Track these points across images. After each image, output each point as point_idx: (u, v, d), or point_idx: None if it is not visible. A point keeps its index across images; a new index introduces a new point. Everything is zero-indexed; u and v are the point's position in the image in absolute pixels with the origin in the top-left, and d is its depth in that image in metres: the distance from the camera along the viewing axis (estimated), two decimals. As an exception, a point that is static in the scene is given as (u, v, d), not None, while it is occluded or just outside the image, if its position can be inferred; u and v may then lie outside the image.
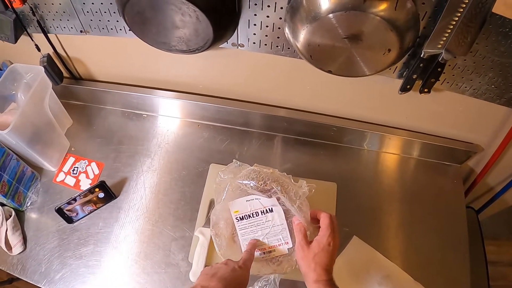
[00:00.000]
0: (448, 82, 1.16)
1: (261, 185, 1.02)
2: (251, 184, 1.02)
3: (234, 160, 1.11)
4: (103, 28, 1.20)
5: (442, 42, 0.98)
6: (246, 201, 1.05)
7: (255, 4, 1.01)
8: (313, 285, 0.92)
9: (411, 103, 1.30)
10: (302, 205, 1.02)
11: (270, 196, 1.03)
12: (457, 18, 0.91)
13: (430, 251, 1.29)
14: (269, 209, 1.05)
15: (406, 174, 1.46)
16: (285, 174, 1.05)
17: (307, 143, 1.48)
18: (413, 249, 1.29)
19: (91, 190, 1.23)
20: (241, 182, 1.03)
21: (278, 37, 1.09)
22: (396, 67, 1.13)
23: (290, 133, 1.48)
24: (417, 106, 1.32)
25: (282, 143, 1.48)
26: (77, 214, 1.26)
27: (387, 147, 1.48)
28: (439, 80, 1.11)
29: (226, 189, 1.06)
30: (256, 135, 1.49)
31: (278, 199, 1.03)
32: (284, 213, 1.05)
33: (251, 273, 1.00)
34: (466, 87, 1.16)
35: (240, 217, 1.06)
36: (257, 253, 1.08)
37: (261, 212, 1.06)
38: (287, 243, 1.07)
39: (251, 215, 1.06)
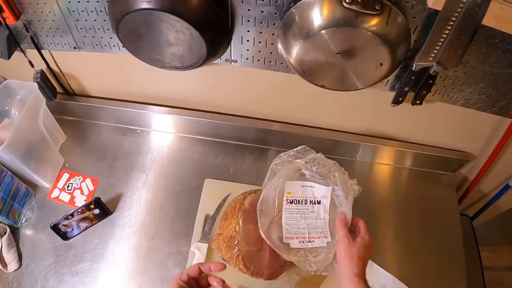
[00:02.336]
0: (439, 93, 1.17)
1: (324, 171, 1.08)
2: (314, 169, 1.08)
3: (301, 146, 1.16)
4: (96, 45, 1.20)
5: (433, 55, 0.98)
6: (301, 186, 1.09)
7: (248, 21, 1.01)
8: (353, 278, 0.93)
9: (404, 114, 1.31)
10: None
11: (327, 184, 1.08)
12: (447, 31, 0.92)
13: (426, 260, 1.30)
14: (317, 200, 1.09)
15: (400, 184, 1.48)
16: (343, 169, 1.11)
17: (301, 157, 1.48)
18: (409, 258, 1.30)
19: (87, 207, 1.23)
20: (303, 163, 1.10)
21: (271, 53, 1.10)
22: (388, 80, 1.14)
23: (284, 147, 1.46)
24: (410, 118, 1.34)
25: (276, 156, 1.46)
26: (72, 230, 1.25)
27: (381, 158, 1.50)
28: (430, 92, 1.12)
29: (285, 167, 1.13)
30: (251, 149, 1.49)
31: (332, 190, 1.08)
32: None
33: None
34: (457, 97, 1.18)
35: (291, 200, 1.09)
36: (295, 241, 1.08)
37: (310, 202, 1.09)
38: (326, 237, 1.09)
39: (301, 202, 1.09)
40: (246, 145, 1.49)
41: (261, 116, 1.44)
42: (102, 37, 1.17)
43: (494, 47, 1.00)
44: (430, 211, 1.40)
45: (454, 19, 0.89)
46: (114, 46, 1.19)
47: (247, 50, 1.11)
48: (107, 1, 1.02)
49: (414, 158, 1.47)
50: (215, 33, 1.00)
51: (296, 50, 0.96)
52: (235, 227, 1.11)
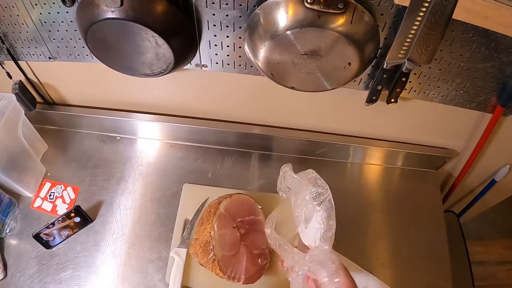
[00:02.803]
0: (415, 91, 1.16)
1: None
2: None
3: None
4: (70, 54, 1.20)
5: (403, 52, 0.98)
6: None
7: (214, 25, 1.01)
8: None
9: (381, 113, 1.31)
10: None
11: None
12: (416, 27, 0.91)
13: (410, 259, 1.30)
14: None
15: (383, 184, 1.46)
16: None
17: (281, 159, 1.47)
18: (394, 259, 1.30)
19: (67, 215, 1.23)
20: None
21: (240, 56, 1.10)
22: (361, 78, 1.13)
23: (264, 150, 1.48)
24: (387, 116, 1.33)
25: (255, 159, 1.48)
26: (54, 239, 1.25)
27: (363, 158, 1.49)
28: (405, 89, 1.12)
29: None
30: (230, 153, 1.48)
31: None
32: None
33: None
34: (434, 94, 1.17)
35: None
36: None
37: None
38: None
39: None
40: (225, 149, 1.49)
41: (238, 120, 1.44)
42: (74, 47, 1.17)
43: (468, 41, 0.99)
44: (414, 209, 1.39)
45: (422, 14, 0.88)
46: (87, 55, 1.19)
47: (216, 54, 1.10)
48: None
49: (395, 157, 1.47)
50: (180, 39, 1.00)
51: (262, 53, 0.96)
52: (210, 232, 1.11)
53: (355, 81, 1.12)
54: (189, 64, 1.14)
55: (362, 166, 1.51)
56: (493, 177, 1.53)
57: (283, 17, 0.89)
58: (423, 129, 1.38)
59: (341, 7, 0.86)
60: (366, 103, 1.16)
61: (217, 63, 1.13)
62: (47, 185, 1.39)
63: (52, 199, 1.36)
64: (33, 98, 1.38)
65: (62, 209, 1.34)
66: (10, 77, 1.31)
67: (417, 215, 1.38)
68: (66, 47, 1.17)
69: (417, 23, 0.90)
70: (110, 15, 0.91)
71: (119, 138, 1.51)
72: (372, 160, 1.50)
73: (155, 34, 0.93)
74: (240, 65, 1.13)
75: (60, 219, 1.22)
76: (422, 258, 1.31)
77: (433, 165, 1.48)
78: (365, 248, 1.31)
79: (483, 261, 2.16)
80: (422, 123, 1.34)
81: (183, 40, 1.02)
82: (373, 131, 1.42)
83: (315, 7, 0.85)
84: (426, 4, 0.86)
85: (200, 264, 1.15)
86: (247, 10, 0.95)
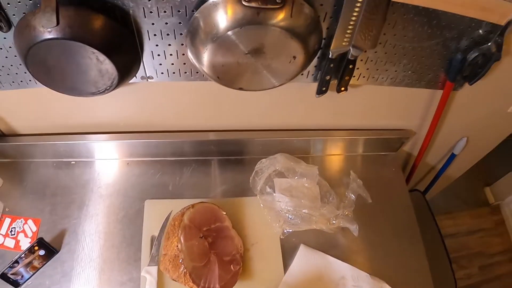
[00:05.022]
0: (364, 77, 1.17)
1: None
2: None
3: None
4: (13, 82, 1.15)
5: (347, 40, 0.99)
6: None
7: (154, 35, 0.99)
8: None
9: (334, 103, 1.31)
10: None
11: None
12: (356, 14, 0.92)
13: (383, 243, 1.31)
14: None
15: (347, 172, 1.46)
16: None
17: (240, 162, 1.47)
18: (365, 245, 1.30)
19: (30, 250, 1.18)
20: None
21: (185, 63, 1.08)
22: (309, 71, 1.14)
23: (222, 155, 1.47)
24: (340, 105, 1.34)
25: (215, 166, 1.46)
26: (22, 276, 1.21)
27: (323, 150, 1.49)
28: (354, 76, 1.13)
29: None
30: (188, 163, 1.46)
31: None
32: None
33: None
34: (383, 78, 1.18)
35: None
36: None
37: None
38: None
39: None
40: (182, 160, 1.46)
41: (193, 128, 1.42)
42: (16, 73, 1.13)
43: (410, 22, 1.00)
44: (380, 193, 1.40)
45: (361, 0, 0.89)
46: (30, 80, 1.15)
47: (160, 64, 1.08)
48: (14, 37, 0.99)
49: (355, 145, 1.48)
50: (122, 52, 0.98)
51: (205, 57, 0.94)
52: (177, 245, 1.09)
53: (302, 74, 1.12)
54: (135, 77, 1.12)
55: (323, 158, 1.51)
56: (452, 151, 1.56)
57: (222, 18, 0.88)
58: (377, 113, 1.40)
59: (279, 1, 0.85)
60: (317, 95, 1.16)
61: (162, 73, 1.11)
62: (7, 221, 1.34)
63: (14, 234, 1.31)
64: (-20, 132, 1.33)
65: (25, 243, 1.29)
66: (-48, 114, 1.26)
67: (383, 199, 1.40)
68: (8, 74, 1.13)
69: (357, 9, 0.92)
70: (47, 35, 0.89)
71: (74, 162, 1.46)
72: (332, 151, 1.51)
73: (95, 51, 0.91)
74: (185, 72, 1.11)
75: (23, 255, 1.17)
76: (394, 240, 1.32)
77: (392, 148, 1.50)
78: (336, 238, 1.31)
79: (454, 233, 2.22)
80: (375, 107, 1.36)
81: (125, 53, 1.00)
82: (329, 122, 1.42)
83: (252, 4, 0.85)
84: (364, -11, 0.87)
85: (173, 280, 1.12)
86: (186, 15, 0.94)
